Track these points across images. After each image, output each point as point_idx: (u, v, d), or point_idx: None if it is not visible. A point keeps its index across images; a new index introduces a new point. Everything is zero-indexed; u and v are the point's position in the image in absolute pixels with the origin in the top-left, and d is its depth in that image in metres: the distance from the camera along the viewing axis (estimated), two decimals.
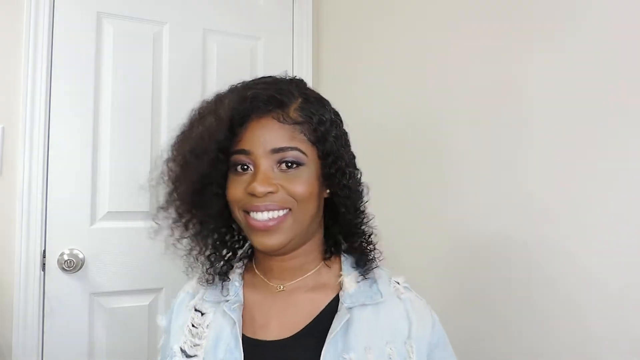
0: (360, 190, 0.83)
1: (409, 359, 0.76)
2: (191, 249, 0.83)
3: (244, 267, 0.89)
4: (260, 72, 1.91)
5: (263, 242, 0.76)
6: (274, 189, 0.74)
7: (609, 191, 1.02)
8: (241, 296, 0.84)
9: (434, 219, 1.47)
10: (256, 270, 0.87)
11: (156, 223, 0.81)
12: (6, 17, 1.59)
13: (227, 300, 0.83)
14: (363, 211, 0.84)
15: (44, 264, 1.60)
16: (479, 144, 1.34)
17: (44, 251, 1.60)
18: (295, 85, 0.80)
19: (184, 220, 0.81)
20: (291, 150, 0.75)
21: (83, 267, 1.64)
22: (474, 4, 1.40)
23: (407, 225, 1.56)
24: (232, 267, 0.88)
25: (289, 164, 0.75)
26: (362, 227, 0.84)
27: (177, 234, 0.81)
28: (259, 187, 0.73)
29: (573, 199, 1.09)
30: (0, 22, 1.59)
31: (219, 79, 1.85)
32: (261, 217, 0.75)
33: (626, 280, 0.99)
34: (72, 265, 1.60)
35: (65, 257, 1.61)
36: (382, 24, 1.76)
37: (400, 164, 1.62)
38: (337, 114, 0.83)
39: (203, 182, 0.77)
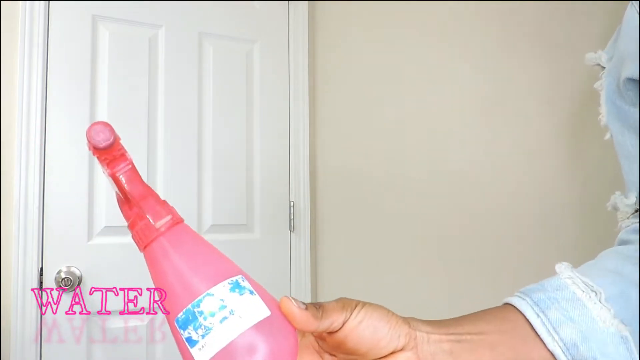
0: None
1: None
2: None
3: None
4: (257, 75, 1.87)
5: None
6: None
7: None
8: None
9: None
10: None
11: None
12: (1, 22, 1.53)
13: None
14: None
15: (41, 282, 1.53)
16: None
17: (41, 269, 1.53)
18: None
19: None
20: None
21: (81, 284, 1.56)
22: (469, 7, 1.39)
23: None
24: None
25: None
26: None
27: None
28: None
29: None
30: None
31: (215, 82, 1.81)
32: None
33: None
34: (69, 284, 1.53)
35: (63, 275, 1.54)
36: (378, 27, 1.74)
37: (401, 174, 1.60)
38: None
39: None
